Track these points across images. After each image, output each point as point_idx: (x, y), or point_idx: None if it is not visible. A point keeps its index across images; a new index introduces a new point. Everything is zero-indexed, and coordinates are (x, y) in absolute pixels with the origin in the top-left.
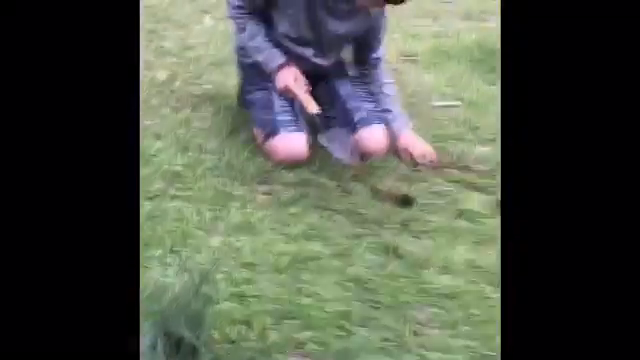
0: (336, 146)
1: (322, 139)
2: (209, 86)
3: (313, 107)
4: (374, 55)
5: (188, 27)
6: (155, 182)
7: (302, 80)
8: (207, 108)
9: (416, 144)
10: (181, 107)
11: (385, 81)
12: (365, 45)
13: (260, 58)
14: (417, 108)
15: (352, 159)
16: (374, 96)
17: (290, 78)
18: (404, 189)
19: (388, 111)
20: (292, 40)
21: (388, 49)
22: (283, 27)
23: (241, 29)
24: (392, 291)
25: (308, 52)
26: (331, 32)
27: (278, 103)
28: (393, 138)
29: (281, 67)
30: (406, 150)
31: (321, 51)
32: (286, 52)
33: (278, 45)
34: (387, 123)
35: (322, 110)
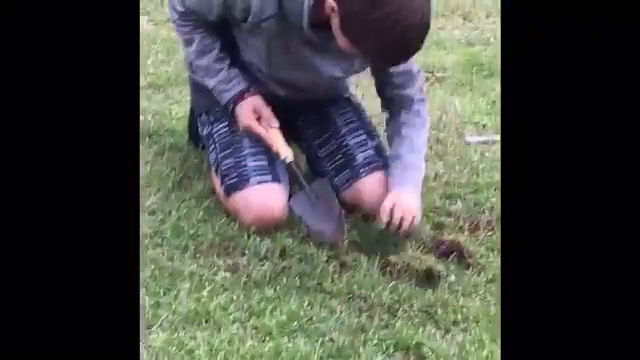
0: (313, 214)
1: (294, 203)
2: (147, 117)
3: (284, 152)
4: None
5: None
6: None
7: (268, 113)
8: (144, 148)
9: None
10: None
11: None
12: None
13: (211, 83)
14: (443, 145)
15: (336, 234)
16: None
17: (250, 114)
18: (427, 261)
19: (396, 157)
20: (263, 74)
21: None
22: (250, 56)
23: (187, 41)
24: None
25: (288, 92)
26: (324, 75)
27: (247, 142)
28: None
29: (239, 98)
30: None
31: (312, 92)
32: (250, 76)
33: (238, 66)
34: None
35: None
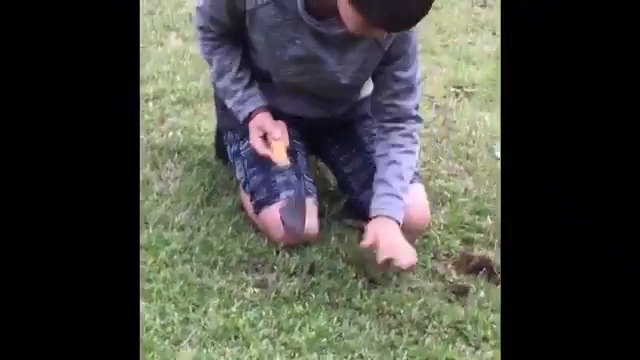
0: (291, 214)
1: (282, 212)
2: (176, 133)
3: (278, 159)
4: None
5: (146, 50)
6: None
7: (271, 127)
8: (173, 164)
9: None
10: None
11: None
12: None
13: (229, 104)
14: (473, 160)
15: (301, 229)
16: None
17: (256, 133)
18: (456, 277)
19: (382, 182)
20: (273, 77)
21: (429, 78)
22: (259, 60)
23: (208, 62)
24: None
25: (299, 104)
26: (328, 71)
27: None
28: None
29: (249, 119)
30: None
31: (322, 101)
32: (269, 90)
33: (258, 79)
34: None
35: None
